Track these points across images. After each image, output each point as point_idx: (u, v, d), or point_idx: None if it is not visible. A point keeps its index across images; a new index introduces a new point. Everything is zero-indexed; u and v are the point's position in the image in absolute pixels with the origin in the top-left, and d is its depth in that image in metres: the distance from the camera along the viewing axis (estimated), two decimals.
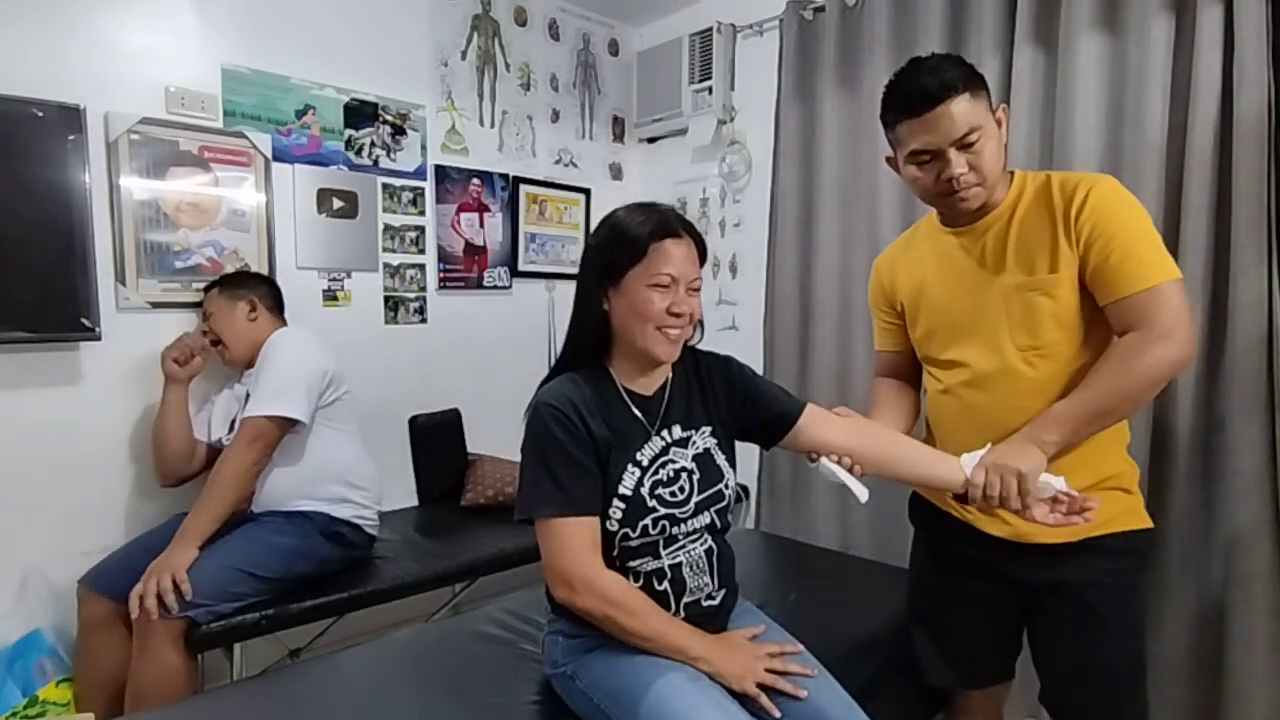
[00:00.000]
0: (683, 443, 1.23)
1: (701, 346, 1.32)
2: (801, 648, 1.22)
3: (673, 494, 1.19)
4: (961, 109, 1.12)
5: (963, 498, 1.22)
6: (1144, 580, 1.30)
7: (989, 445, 1.20)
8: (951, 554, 1.37)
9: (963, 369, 1.28)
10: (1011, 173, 1.25)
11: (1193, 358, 1.17)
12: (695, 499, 1.21)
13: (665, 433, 1.22)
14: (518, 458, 1.20)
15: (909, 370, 1.47)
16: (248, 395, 1.88)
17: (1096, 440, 1.20)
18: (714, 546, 1.25)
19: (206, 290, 2.02)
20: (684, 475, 1.21)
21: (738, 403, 1.28)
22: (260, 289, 2.03)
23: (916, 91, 1.14)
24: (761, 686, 1.11)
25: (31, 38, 1.84)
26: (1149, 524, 1.27)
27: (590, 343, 1.22)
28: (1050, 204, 1.18)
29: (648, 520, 1.16)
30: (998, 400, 1.23)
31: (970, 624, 1.38)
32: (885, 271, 1.46)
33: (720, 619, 1.26)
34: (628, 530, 1.16)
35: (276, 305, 2.07)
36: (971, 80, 1.14)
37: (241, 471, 1.76)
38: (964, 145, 1.14)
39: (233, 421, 1.94)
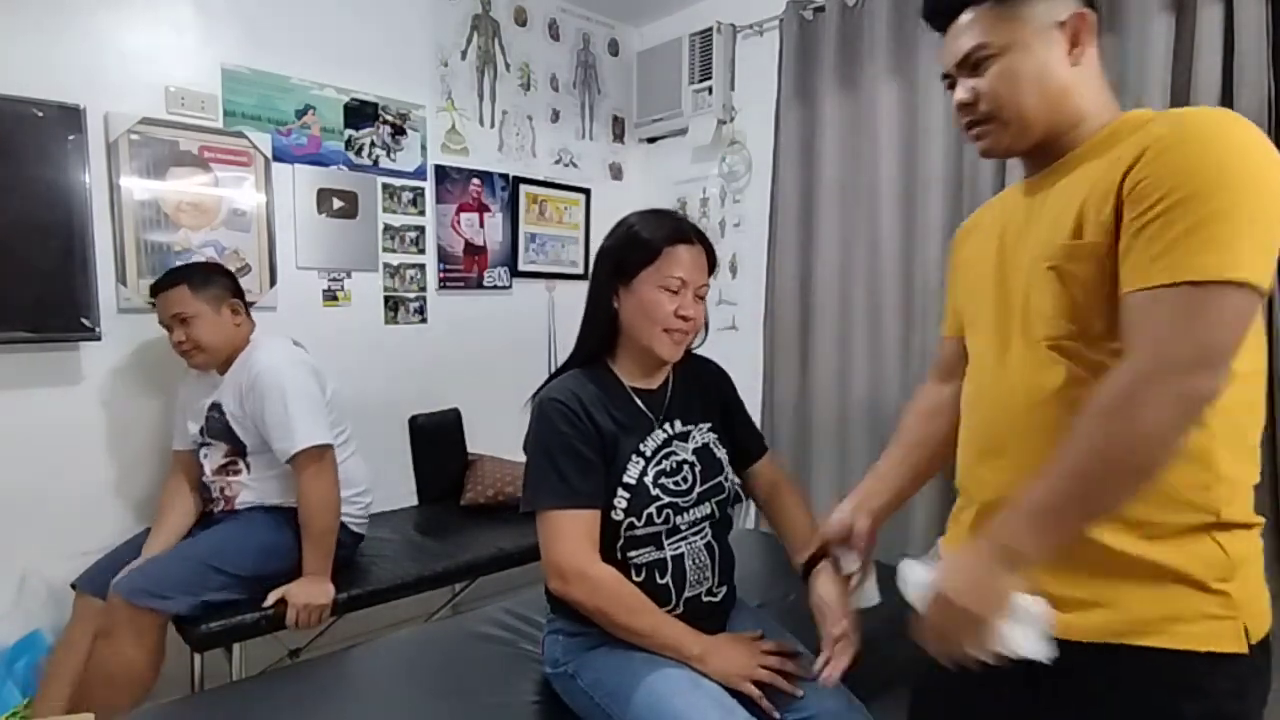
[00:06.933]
0: (683, 436, 1.26)
1: (703, 347, 1.35)
2: (801, 648, 1.22)
3: (676, 484, 1.22)
4: (973, 22, 0.88)
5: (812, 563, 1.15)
6: None
7: (938, 546, 0.86)
8: None
9: (972, 366, 1.02)
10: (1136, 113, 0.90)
11: (1212, 394, 0.73)
12: (698, 489, 1.24)
13: (668, 425, 1.25)
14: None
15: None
16: (213, 405, 1.83)
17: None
18: (714, 542, 1.26)
19: (164, 288, 1.80)
20: (686, 467, 1.24)
21: (727, 411, 1.37)
22: (230, 285, 1.89)
23: (930, 1, 0.95)
24: (760, 686, 1.11)
25: (32, 38, 1.84)
26: (1232, 646, 0.79)
27: (598, 339, 1.25)
28: (1135, 137, 0.81)
29: (652, 509, 1.19)
30: (993, 413, 0.94)
31: None
32: (960, 232, 1.14)
33: (719, 617, 1.27)
34: (633, 519, 1.18)
35: (246, 302, 1.95)
36: None
37: (326, 498, 1.79)
38: (970, 66, 0.90)
39: (202, 428, 1.87)
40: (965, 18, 0.89)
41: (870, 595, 1.16)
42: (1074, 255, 0.82)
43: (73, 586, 1.78)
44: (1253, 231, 0.71)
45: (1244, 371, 0.79)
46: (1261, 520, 0.84)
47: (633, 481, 1.19)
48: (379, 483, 2.09)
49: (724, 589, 1.28)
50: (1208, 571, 0.79)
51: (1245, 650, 0.79)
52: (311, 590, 1.74)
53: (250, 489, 1.86)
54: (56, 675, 1.68)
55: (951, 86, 0.94)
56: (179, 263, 2.04)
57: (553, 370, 1.30)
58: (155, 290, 1.83)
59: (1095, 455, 0.74)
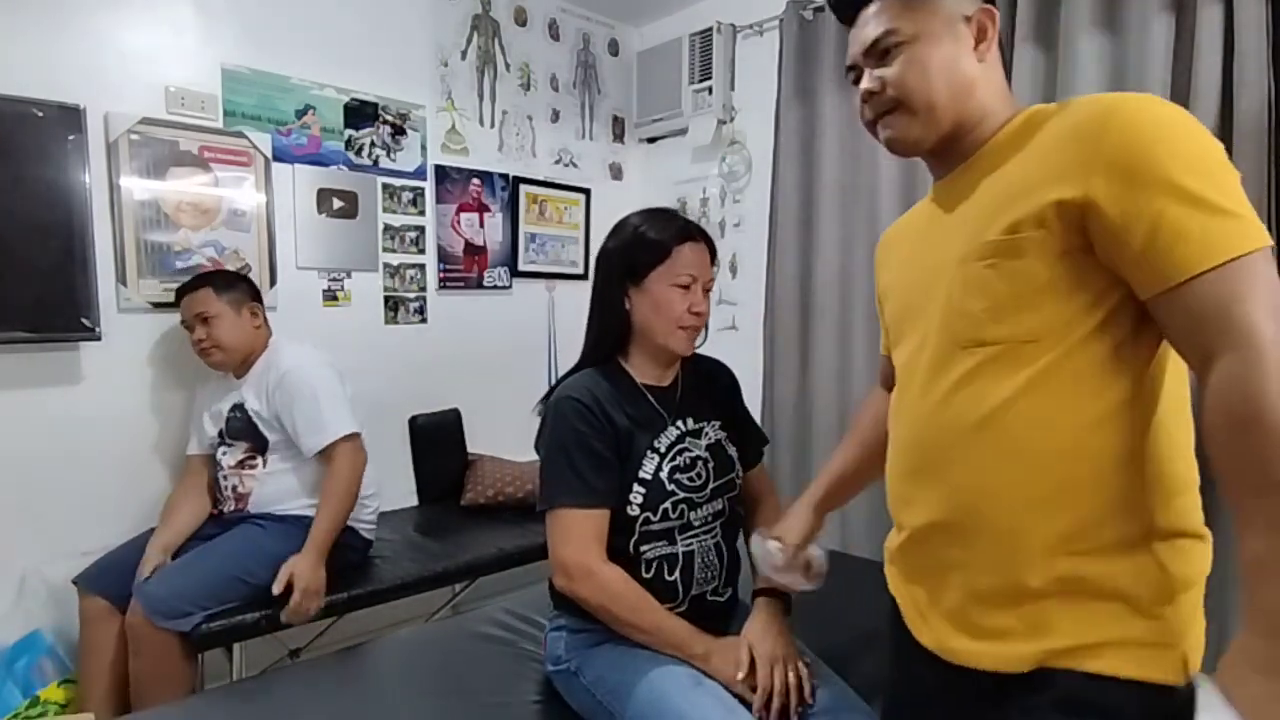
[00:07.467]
0: (695, 433, 1.28)
1: (703, 347, 1.36)
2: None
3: (691, 479, 1.24)
4: (881, 10, 0.86)
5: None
6: None
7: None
8: (905, 669, 0.97)
9: (898, 384, 0.94)
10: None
11: None
12: (711, 485, 1.26)
13: (680, 422, 1.27)
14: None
15: None
16: (234, 407, 1.88)
17: (1075, 481, 0.75)
18: (723, 543, 1.28)
19: (190, 290, 1.88)
20: (700, 463, 1.26)
21: (732, 408, 1.39)
22: (250, 290, 1.96)
23: None
24: None
25: (32, 37, 1.84)
26: (1170, 677, 0.72)
27: (613, 340, 1.28)
28: (1046, 130, 0.79)
29: (667, 504, 1.21)
30: (920, 432, 0.87)
31: None
32: (880, 249, 1.10)
33: (723, 618, 1.27)
34: (649, 514, 1.20)
35: (265, 308, 2.02)
36: None
37: (353, 478, 1.83)
38: (878, 54, 0.86)
39: (221, 431, 1.91)
40: (873, 7, 0.87)
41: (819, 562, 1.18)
42: (1014, 250, 0.76)
43: (74, 583, 1.78)
44: (1238, 198, 0.68)
45: (1174, 358, 0.76)
46: (1207, 533, 0.77)
47: (648, 477, 1.21)
48: (379, 483, 2.08)
49: (729, 590, 1.29)
50: (1145, 591, 0.73)
51: (1183, 683, 0.72)
52: (313, 573, 1.72)
53: (264, 484, 1.88)
54: (93, 685, 1.69)
55: (857, 81, 0.91)
56: (179, 263, 2.07)
57: (554, 371, 1.31)
58: (181, 293, 1.90)
59: (1243, 466, 0.64)
